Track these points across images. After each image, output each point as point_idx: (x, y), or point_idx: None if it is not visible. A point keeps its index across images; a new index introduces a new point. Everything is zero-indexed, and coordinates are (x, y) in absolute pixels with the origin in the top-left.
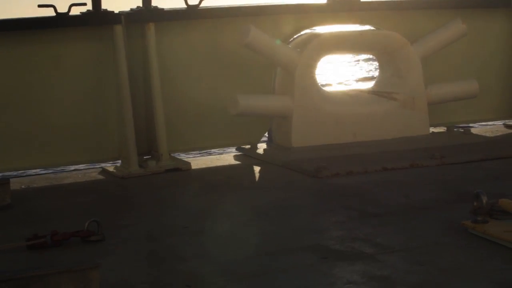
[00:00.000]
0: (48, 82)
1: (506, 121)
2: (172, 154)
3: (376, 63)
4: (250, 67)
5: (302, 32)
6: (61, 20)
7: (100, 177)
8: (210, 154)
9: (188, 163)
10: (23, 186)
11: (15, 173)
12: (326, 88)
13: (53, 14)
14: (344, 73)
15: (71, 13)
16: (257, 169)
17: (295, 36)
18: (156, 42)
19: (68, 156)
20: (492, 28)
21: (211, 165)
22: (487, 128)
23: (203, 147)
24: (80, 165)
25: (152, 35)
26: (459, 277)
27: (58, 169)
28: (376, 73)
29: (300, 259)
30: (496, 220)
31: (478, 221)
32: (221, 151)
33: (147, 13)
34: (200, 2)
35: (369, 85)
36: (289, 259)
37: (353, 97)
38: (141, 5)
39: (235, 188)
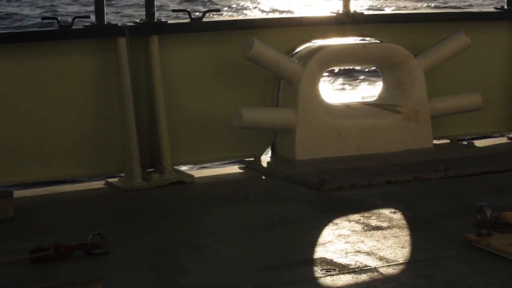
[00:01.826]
0: (51, 95)
1: (510, 134)
2: (175, 167)
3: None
4: (254, 80)
5: (306, 45)
6: (65, 33)
7: (104, 190)
8: (213, 166)
9: (192, 176)
10: (26, 199)
11: (18, 185)
12: (329, 101)
13: (57, 26)
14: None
15: (74, 26)
16: (260, 182)
17: (298, 49)
18: (159, 55)
19: (71, 169)
20: (496, 41)
21: (214, 178)
22: (491, 141)
23: (207, 160)
24: (83, 178)
25: (155, 47)
26: None
27: (61, 181)
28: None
29: (304, 273)
30: (500, 233)
31: (482, 234)
32: (225, 164)
33: (150, 26)
34: (203, 15)
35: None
36: (293, 272)
37: (356, 110)
38: (144, 18)
39: (238, 201)
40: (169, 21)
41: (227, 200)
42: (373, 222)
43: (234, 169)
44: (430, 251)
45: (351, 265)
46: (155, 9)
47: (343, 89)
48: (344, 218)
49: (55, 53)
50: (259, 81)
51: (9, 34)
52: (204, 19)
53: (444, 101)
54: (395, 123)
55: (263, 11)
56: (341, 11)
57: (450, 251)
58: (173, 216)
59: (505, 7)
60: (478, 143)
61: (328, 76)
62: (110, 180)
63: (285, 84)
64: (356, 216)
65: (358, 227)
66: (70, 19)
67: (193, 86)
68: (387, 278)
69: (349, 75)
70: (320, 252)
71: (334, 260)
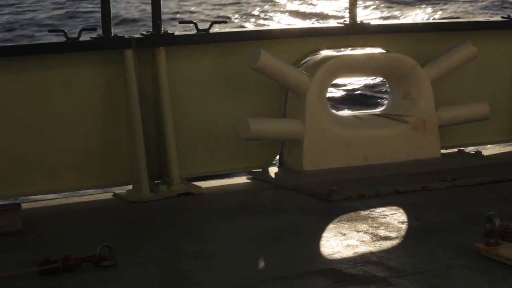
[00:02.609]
0: (58, 107)
1: None
2: (183, 178)
3: None
4: (261, 91)
5: (313, 56)
6: (72, 45)
7: (111, 201)
8: (221, 178)
9: (200, 187)
10: (34, 211)
11: (26, 198)
12: (337, 111)
13: (64, 39)
14: None
15: (81, 38)
16: (268, 192)
17: (305, 60)
18: (166, 66)
19: (78, 181)
20: (503, 50)
21: (222, 189)
22: (498, 150)
23: (214, 171)
24: (91, 190)
25: (162, 59)
26: None
27: (69, 194)
28: None
29: (312, 283)
30: (508, 242)
31: (490, 244)
32: (232, 175)
33: (157, 37)
34: (210, 27)
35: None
36: (302, 283)
37: (364, 120)
38: (151, 29)
39: (246, 212)
40: (176, 33)
41: (235, 211)
42: (382, 232)
43: (242, 180)
44: (439, 261)
45: (360, 275)
46: (161, 20)
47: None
48: (353, 229)
49: (62, 65)
50: (266, 92)
51: (16, 46)
52: (211, 31)
53: (451, 111)
54: (403, 133)
55: None
56: (348, 22)
57: (459, 260)
58: (181, 227)
59: None
60: (486, 152)
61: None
62: (118, 192)
63: (292, 95)
64: (364, 226)
65: (367, 237)
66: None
67: (200, 97)
68: None
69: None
70: (328, 263)
71: (343, 270)
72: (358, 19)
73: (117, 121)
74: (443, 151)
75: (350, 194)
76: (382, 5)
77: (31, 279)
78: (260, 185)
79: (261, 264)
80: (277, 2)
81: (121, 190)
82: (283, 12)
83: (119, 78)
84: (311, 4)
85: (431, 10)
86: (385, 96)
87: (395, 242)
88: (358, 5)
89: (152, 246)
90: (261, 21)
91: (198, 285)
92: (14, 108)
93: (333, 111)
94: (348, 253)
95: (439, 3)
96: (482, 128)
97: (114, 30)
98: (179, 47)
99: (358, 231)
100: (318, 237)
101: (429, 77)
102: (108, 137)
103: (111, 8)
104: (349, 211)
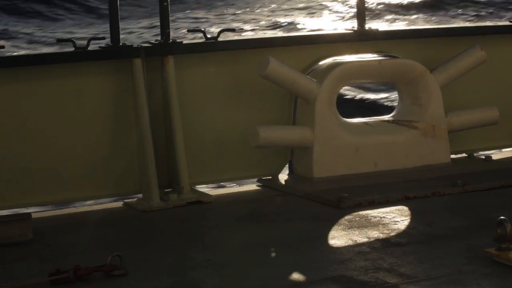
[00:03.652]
0: (67, 116)
1: None
2: (193, 187)
3: None
4: (270, 98)
5: (322, 63)
6: (80, 55)
7: (122, 210)
8: (231, 186)
9: (210, 196)
10: (44, 221)
11: (36, 208)
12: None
13: (72, 48)
14: None
15: (90, 47)
16: (278, 200)
17: (314, 67)
18: (175, 75)
19: (89, 190)
20: (511, 54)
21: (232, 197)
22: (508, 154)
23: (224, 179)
24: (101, 199)
25: (171, 67)
26: None
27: (79, 203)
28: None
29: None
30: None
31: (502, 249)
32: (242, 183)
33: (166, 46)
34: (218, 35)
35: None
36: None
37: (373, 126)
38: (159, 38)
39: (257, 219)
40: (184, 41)
41: (246, 219)
42: (393, 238)
43: (252, 187)
44: (450, 267)
45: (371, 282)
46: (170, 29)
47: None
48: (363, 235)
49: (71, 74)
50: (276, 99)
51: (25, 56)
52: (219, 39)
53: (461, 116)
54: (412, 139)
55: None
56: (356, 28)
57: (470, 266)
58: (192, 236)
59: None
60: (496, 156)
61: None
62: (128, 201)
63: (302, 102)
64: (375, 233)
65: (378, 243)
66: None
67: (209, 105)
68: None
69: None
70: (340, 270)
71: (354, 277)
72: (367, 26)
73: (126, 130)
74: (452, 156)
75: (361, 201)
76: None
77: None
78: (270, 192)
79: (272, 272)
80: None
81: (131, 199)
82: None
83: (128, 87)
84: None
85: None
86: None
87: (406, 248)
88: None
89: (162, 255)
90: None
91: None
92: (24, 117)
93: (343, 117)
94: (359, 259)
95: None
96: (492, 133)
97: None
98: (187, 56)
99: (369, 238)
100: (329, 244)
101: (438, 83)
102: (117, 146)
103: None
104: (359, 217)
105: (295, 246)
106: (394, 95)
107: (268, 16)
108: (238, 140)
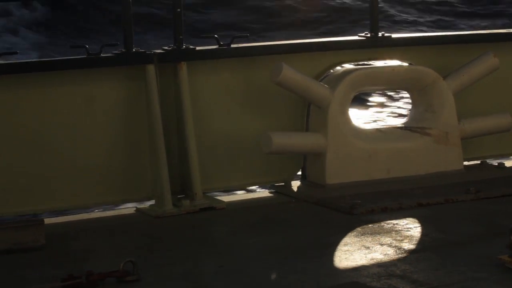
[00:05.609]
0: (80, 122)
1: None
2: (206, 193)
3: None
4: (283, 105)
5: (335, 69)
6: (93, 61)
7: (134, 216)
8: (244, 192)
9: (222, 202)
10: (57, 227)
11: (48, 213)
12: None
13: (85, 55)
14: None
15: (103, 53)
16: (291, 206)
17: (327, 73)
18: (188, 81)
19: (101, 196)
20: None
21: (245, 203)
22: None
23: (237, 185)
24: (114, 205)
25: (184, 74)
26: None
27: (92, 209)
28: None
29: None
30: None
31: None
32: (255, 189)
33: (179, 52)
34: (231, 41)
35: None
36: None
37: (386, 133)
38: (173, 44)
39: (270, 226)
40: (197, 48)
41: (259, 226)
42: (406, 245)
43: (265, 194)
44: (463, 274)
45: None
46: (183, 35)
47: None
48: (376, 242)
49: (84, 81)
50: (288, 105)
51: (38, 62)
52: (232, 45)
53: (473, 123)
54: (425, 146)
55: None
56: (369, 35)
57: (483, 273)
58: (205, 242)
59: None
60: (509, 163)
61: None
62: (140, 207)
63: (315, 109)
64: (388, 240)
65: (391, 250)
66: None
67: (222, 111)
68: None
69: None
70: (353, 276)
71: (368, 284)
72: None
73: (139, 136)
74: (465, 163)
75: (373, 207)
76: None
77: None
78: (283, 199)
79: (286, 278)
80: None
81: (144, 205)
82: None
83: (141, 93)
84: None
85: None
86: None
87: (419, 255)
88: None
89: (175, 261)
90: None
91: None
92: (36, 123)
93: (356, 124)
94: (372, 266)
95: None
96: (505, 140)
97: None
98: (200, 62)
99: (381, 244)
100: (342, 251)
101: (451, 89)
102: (130, 151)
103: None
104: (372, 224)
105: (307, 252)
106: None
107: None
108: (251, 146)
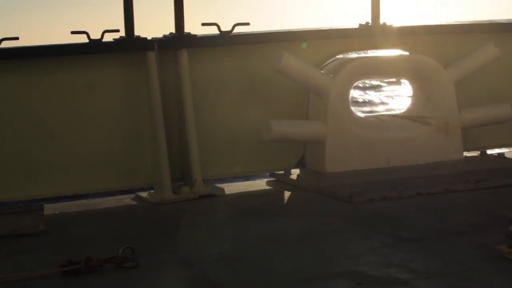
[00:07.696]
0: (81, 108)
1: None
2: (205, 180)
3: None
4: (283, 93)
5: (335, 58)
6: (94, 47)
7: (134, 203)
8: (243, 180)
9: (222, 189)
10: (56, 212)
11: (48, 199)
12: (359, 113)
13: (86, 40)
14: None
15: (104, 39)
16: (290, 194)
17: (328, 62)
18: (189, 68)
19: (101, 182)
20: None
21: (244, 191)
22: None
23: (237, 173)
24: (113, 192)
25: (185, 61)
26: None
27: (92, 195)
28: None
29: (335, 285)
30: None
31: None
32: (254, 177)
33: (180, 39)
34: (232, 29)
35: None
36: (324, 286)
37: (386, 122)
38: (173, 31)
39: (269, 214)
40: (198, 35)
41: (258, 213)
42: (404, 234)
43: (264, 182)
44: (462, 263)
45: (383, 277)
46: (184, 23)
47: None
48: (375, 231)
49: (85, 66)
50: (289, 93)
51: (39, 48)
52: (233, 32)
53: (474, 113)
54: (425, 135)
55: None
56: (370, 23)
57: (482, 262)
58: (204, 229)
59: None
60: (509, 154)
61: None
62: (140, 193)
63: (315, 97)
64: (387, 229)
65: (389, 239)
66: (100, 33)
67: (222, 99)
68: None
69: None
70: (351, 265)
71: (366, 272)
72: (381, 21)
73: (139, 123)
74: (465, 153)
75: (373, 196)
76: None
77: (54, 280)
78: (282, 187)
79: (284, 266)
80: None
81: (143, 192)
82: None
83: (141, 80)
84: None
85: None
86: None
87: (417, 244)
88: None
89: (174, 248)
90: None
91: (220, 287)
92: (37, 109)
93: (356, 113)
94: (370, 255)
95: None
96: (505, 130)
97: None
98: (201, 49)
99: (380, 233)
100: (341, 239)
101: (452, 79)
102: (130, 138)
103: None
104: (371, 213)
105: (307, 240)
106: None
107: None
108: (251, 134)
